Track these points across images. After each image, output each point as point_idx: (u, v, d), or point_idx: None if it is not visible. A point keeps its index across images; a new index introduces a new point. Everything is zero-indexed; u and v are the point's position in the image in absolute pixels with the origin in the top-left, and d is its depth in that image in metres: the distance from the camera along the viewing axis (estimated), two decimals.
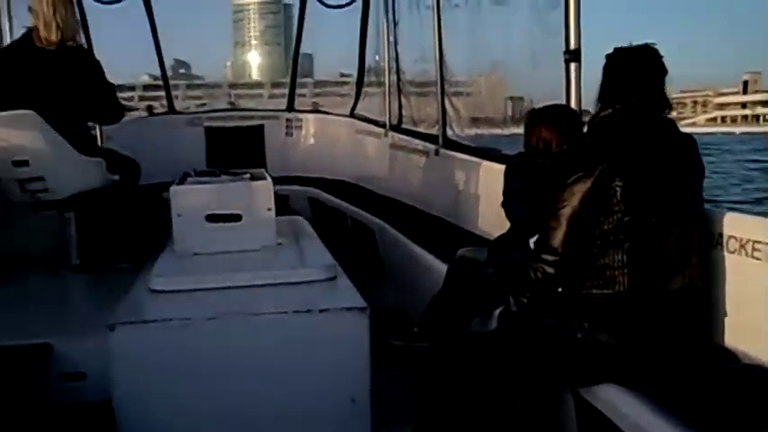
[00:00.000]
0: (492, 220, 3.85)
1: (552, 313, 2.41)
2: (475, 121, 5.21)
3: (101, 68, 3.92)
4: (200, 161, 6.21)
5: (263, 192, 3.57)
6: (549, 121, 3.01)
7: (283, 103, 7.47)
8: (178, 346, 2.58)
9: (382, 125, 6.30)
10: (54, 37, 3.79)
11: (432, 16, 4.98)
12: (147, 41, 6.75)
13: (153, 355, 2.57)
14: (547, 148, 2.98)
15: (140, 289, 3.01)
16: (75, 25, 3.91)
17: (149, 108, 7.07)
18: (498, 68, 4.80)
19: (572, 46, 3.31)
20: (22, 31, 3.95)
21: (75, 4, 4.05)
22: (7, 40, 4.75)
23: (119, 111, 4.14)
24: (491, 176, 4.08)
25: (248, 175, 3.85)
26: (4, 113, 3.69)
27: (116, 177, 4.00)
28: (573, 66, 3.30)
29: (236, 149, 6.66)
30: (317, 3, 6.93)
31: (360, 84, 7.17)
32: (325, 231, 4.08)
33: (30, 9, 3.85)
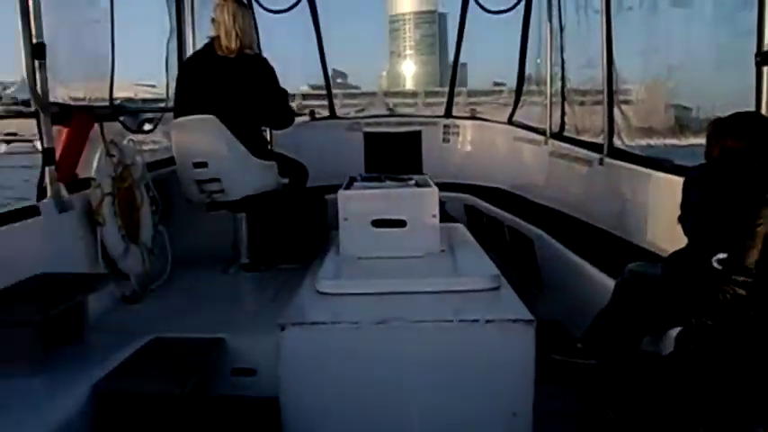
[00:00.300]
0: (663, 234, 3.64)
1: (743, 339, 2.23)
2: (640, 131, 4.97)
3: (275, 75, 4.07)
4: (358, 165, 6.34)
5: (429, 198, 3.57)
6: (737, 131, 2.79)
7: (438, 112, 7.49)
8: (345, 349, 2.63)
9: (542, 132, 6.15)
10: (234, 45, 3.98)
11: (600, 20, 4.79)
12: (307, 51, 6.99)
13: (320, 355, 2.64)
14: (732, 160, 2.77)
15: (308, 290, 3.09)
16: (252, 34, 4.09)
17: (312, 113, 7.30)
18: (673, 74, 4.53)
19: (765, 47, 3.06)
20: (206, 40, 4.18)
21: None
22: (190, 50, 5.05)
23: (290, 116, 4.30)
24: (662, 188, 3.87)
25: (413, 182, 3.88)
26: (188, 117, 3.93)
27: (286, 180, 4.15)
28: (765, 69, 3.05)
29: (393, 154, 6.74)
30: (476, 11, 6.88)
31: (519, 90, 7.05)
32: (480, 239, 4.03)
33: (213, 20, 4.08)
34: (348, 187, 3.79)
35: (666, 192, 3.48)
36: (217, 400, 2.68)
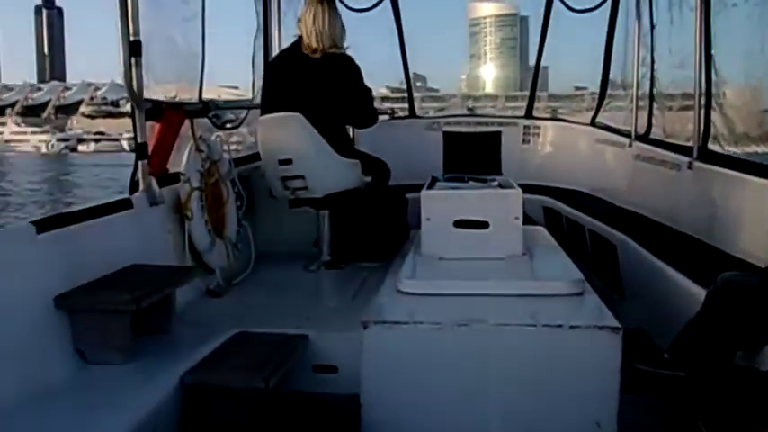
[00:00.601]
0: (759, 243, 3.48)
1: None
2: (741, 136, 4.75)
3: (360, 75, 4.09)
4: (437, 164, 6.32)
5: (513, 200, 3.52)
6: None
7: (519, 110, 7.38)
8: (427, 349, 2.61)
9: (627, 135, 5.98)
10: (317, 45, 4.01)
11: (695, 17, 4.61)
12: (387, 53, 7.00)
13: (402, 355, 2.63)
14: None
15: (389, 289, 3.09)
16: (338, 33, 4.11)
17: (392, 111, 7.31)
18: None
19: None
20: (292, 39, 4.24)
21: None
22: (276, 48, 5.12)
23: (374, 115, 4.30)
24: (760, 194, 3.71)
25: (496, 183, 3.83)
26: (274, 115, 3.98)
27: (368, 179, 4.15)
28: None
29: (472, 155, 6.69)
30: (559, 14, 6.75)
31: (603, 91, 6.87)
32: (560, 242, 3.95)
33: (298, 20, 4.13)
34: (431, 187, 3.77)
35: (764, 198, 3.31)
36: (299, 396, 2.70)
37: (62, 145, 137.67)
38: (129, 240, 3.06)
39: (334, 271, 4.13)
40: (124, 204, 3.11)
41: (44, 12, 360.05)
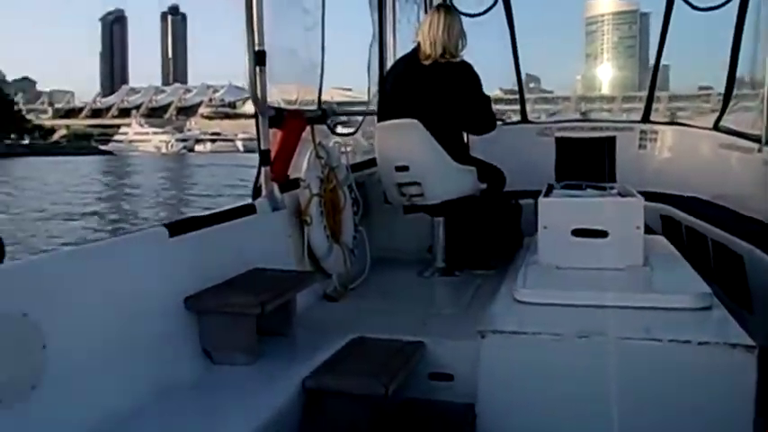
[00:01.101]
0: None
1: None
2: None
3: (479, 82, 4.07)
4: (548, 171, 6.17)
5: (634, 209, 3.41)
6: None
7: (635, 118, 7.10)
8: (545, 361, 2.56)
9: (755, 139, 5.65)
10: (433, 52, 4.03)
11: None
12: (498, 55, 6.89)
13: (519, 366, 2.59)
14: None
15: (506, 298, 3.05)
16: (455, 41, 4.10)
17: (503, 117, 7.21)
18: None
19: None
20: (406, 45, 4.26)
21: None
22: (391, 55, 5.17)
23: (492, 122, 4.27)
24: None
25: (616, 191, 3.72)
26: (391, 121, 4.03)
27: (484, 186, 4.12)
28: None
29: (585, 161, 6.49)
30: (682, 10, 6.43)
31: (728, 93, 6.50)
32: (679, 252, 3.78)
33: (418, 27, 4.15)
34: (547, 194, 3.70)
35: None
36: (414, 404, 2.71)
37: (181, 145, 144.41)
38: (252, 244, 3.16)
39: (449, 278, 4.13)
40: (248, 209, 3.22)
41: (169, 18, 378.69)
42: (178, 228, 2.68)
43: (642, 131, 6.70)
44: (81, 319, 2.13)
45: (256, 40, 3.21)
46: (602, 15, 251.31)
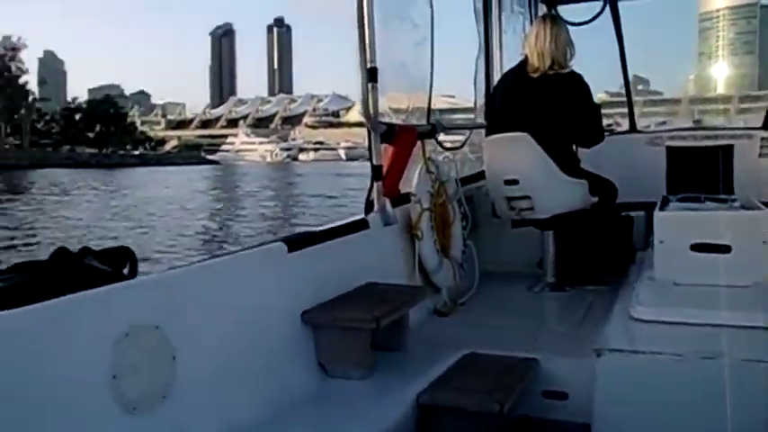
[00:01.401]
0: None
1: None
2: None
3: (589, 93, 4.02)
4: (659, 182, 5.94)
5: (760, 223, 3.26)
6: None
7: (754, 120, 6.70)
8: (665, 382, 2.50)
9: None
10: (541, 64, 4.00)
11: None
12: (604, 56, 6.68)
13: (637, 386, 2.53)
14: None
15: (621, 315, 2.99)
16: (562, 52, 4.05)
17: (609, 126, 7.00)
18: None
19: None
20: (513, 58, 4.23)
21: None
22: (497, 67, 5.14)
23: (601, 134, 4.19)
24: None
25: (738, 203, 3.57)
26: (501, 135, 4.02)
27: (595, 199, 4.04)
28: None
29: (699, 171, 6.20)
30: None
31: None
32: None
33: (524, 39, 4.13)
34: (663, 208, 3.59)
35: None
36: (528, 422, 2.69)
37: (285, 154, 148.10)
38: (365, 259, 3.22)
39: (559, 293, 4.07)
40: (361, 225, 3.28)
41: (275, 30, 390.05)
42: (296, 243, 2.75)
43: (763, 139, 6.33)
44: (206, 331, 2.22)
45: (368, 57, 3.26)
46: (718, 11, 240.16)
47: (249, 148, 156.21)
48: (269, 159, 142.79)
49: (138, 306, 2.01)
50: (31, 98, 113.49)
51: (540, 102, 3.98)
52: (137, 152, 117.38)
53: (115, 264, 2.00)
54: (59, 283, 1.82)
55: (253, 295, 2.49)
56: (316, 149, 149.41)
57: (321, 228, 3.14)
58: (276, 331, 2.56)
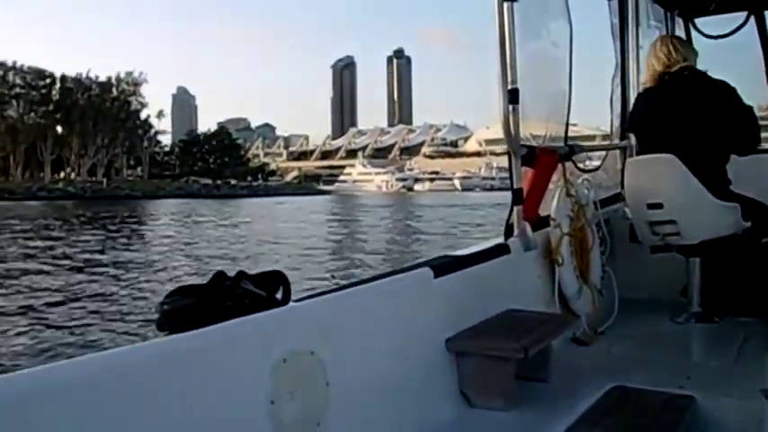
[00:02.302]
0: None
1: None
2: None
3: (737, 95, 3.77)
4: None
5: None
6: None
7: None
8: None
9: None
10: (672, 65, 3.84)
11: None
12: (741, 71, 6.26)
13: None
14: None
15: None
16: (689, 55, 3.90)
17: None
18: None
19: None
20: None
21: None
22: (633, 85, 4.94)
23: (757, 136, 3.90)
24: None
25: None
26: (645, 157, 3.84)
27: (748, 224, 3.77)
28: None
29: None
30: None
31: None
32: None
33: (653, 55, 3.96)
34: None
35: None
36: None
37: (400, 184, 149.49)
38: (505, 284, 3.13)
39: (707, 324, 3.81)
40: (502, 249, 3.19)
41: (395, 61, 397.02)
42: (442, 269, 2.70)
43: None
44: (356, 357, 2.19)
45: (509, 78, 3.19)
46: None
47: (366, 178, 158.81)
48: (384, 189, 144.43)
49: (295, 332, 2.01)
50: (153, 131, 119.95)
51: (684, 114, 3.78)
52: (245, 183, 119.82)
53: (269, 288, 2.00)
54: (220, 307, 1.85)
55: (400, 320, 2.45)
56: (431, 180, 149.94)
57: (464, 252, 3.08)
58: (421, 357, 2.51)
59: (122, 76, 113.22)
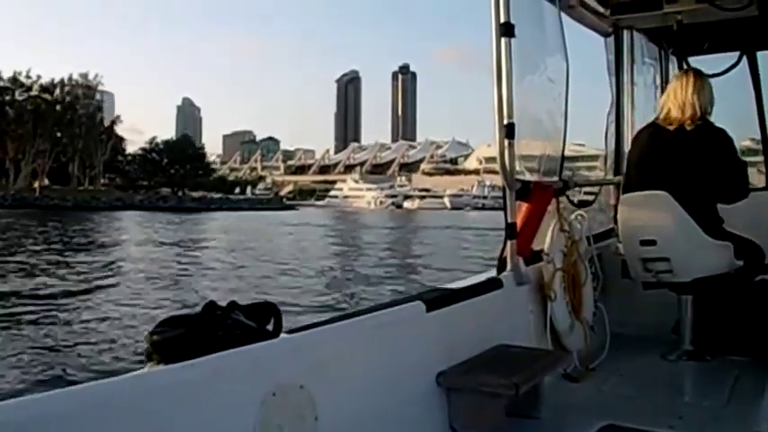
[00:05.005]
0: None
1: None
2: None
3: (734, 147, 3.80)
4: None
5: None
6: None
7: None
8: None
9: None
10: (684, 114, 3.83)
11: None
12: (735, 108, 6.28)
13: None
14: None
15: None
16: (707, 105, 3.87)
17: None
18: None
19: None
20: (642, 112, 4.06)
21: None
22: (627, 122, 4.97)
23: (746, 189, 3.92)
24: None
25: None
26: (639, 193, 3.85)
27: (740, 263, 3.78)
28: None
29: None
30: None
31: None
32: None
33: (664, 92, 3.98)
34: None
35: None
36: None
37: (389, 201, 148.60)
38: (497, 319, 3.12)
39: (698, 363, 3.81)
40: (495, 284, 3.19)
41: (399, 77, 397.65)
42: (434, 303, 2.69)
43: None
44: (346, 390, 2.18)
45: (506, 113, 3.21)
46: None
47: (357, 194, 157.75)
48: (372, 207, 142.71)
49: (285, 365, 2.00)
50: (115, 138, 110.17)
51: (681, 156, 3.79)
52: (217, 196, 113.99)
53: (260, 319, 2.00)
54: (211, 337, 1.84)
55: (391, 354, 2.44)
56: (421, 197, 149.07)
57: (457, 285, 3.07)
58: (411, 392, 2.49)
59: (75, 77, 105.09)
